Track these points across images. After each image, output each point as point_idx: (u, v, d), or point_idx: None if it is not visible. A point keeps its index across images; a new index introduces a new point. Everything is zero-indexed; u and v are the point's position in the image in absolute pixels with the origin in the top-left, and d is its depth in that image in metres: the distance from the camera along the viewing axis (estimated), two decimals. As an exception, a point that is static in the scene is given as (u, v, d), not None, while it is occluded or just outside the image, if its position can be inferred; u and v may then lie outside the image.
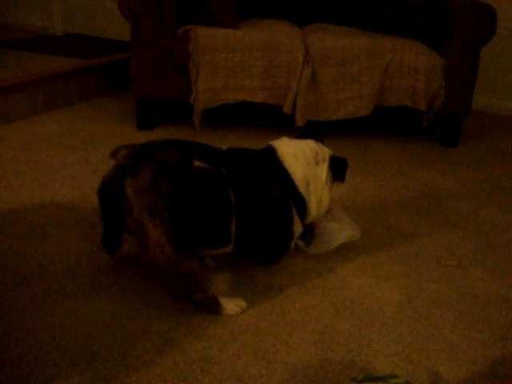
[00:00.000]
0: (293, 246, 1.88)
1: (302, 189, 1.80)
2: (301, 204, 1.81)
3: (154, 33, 2.84)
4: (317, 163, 1.84)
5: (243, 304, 1.69)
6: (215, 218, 1.61)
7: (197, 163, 1.57)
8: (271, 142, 1.87)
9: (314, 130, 1.96)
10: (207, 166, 1.59)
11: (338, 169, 1.89)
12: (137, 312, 1.64)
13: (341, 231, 1.99)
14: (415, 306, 1.77)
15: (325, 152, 1.88)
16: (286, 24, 3.25)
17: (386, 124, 3.45)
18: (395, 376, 1.34)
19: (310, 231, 1.98)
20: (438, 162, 2.99)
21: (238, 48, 2.88)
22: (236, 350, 1.52)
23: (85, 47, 4.21)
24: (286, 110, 2.90)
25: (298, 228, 1.85)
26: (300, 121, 2.92)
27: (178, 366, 1.45)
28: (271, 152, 1.82)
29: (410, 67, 2.96)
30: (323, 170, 1.85)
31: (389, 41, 3.01)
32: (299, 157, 1.81)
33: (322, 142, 1.94)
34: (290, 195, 1.78)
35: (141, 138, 2.95)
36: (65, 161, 2.63)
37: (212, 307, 1.64)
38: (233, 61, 2.88)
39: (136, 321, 1.61)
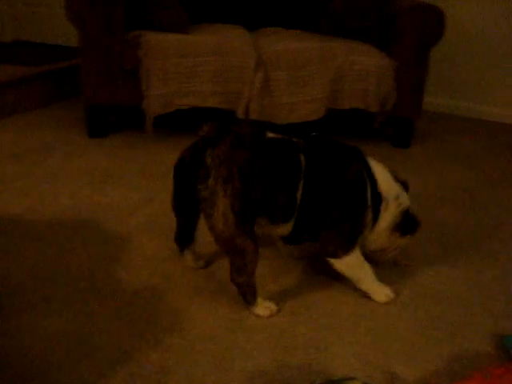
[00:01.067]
0: (358, 245, 1.78)
1: (381, 190, 1.77)
2: (377, 202, 1.77)
3: (102, 39, 2.80)
4: (396, 196, 1.81)
5: (274, 308, 1.70)
6: (285, 186, 1.64)
7: (270, 134, 1.64)
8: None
9: (404, 183, 1.92)
10: (278, 136, 1.65)
11: (407, 224, 1.86)
12: (89, 325, 1.60)
13: None
14: (371, 306, 1.78)
15: (405, 199, 1.85)
16: (238, 28, 3.25)
17: (339, 126, 3.47)
18: (352, 378, 1.35)
19: None
20: (391, 163, 3.00)
21: (190, 53, 2.86)
22: (193, 360, 1.50)
23: (34, 54, 4.12)
24: (240, 114, 2.89)
25: (368, 224, 1.78)
26: (254, 125, 2.91)
27: (133, 379, 1.42)
28: (359, 151, 1.80)
29: (361, 70, 2.99)
30: (395, 210, 1.81)
31: (340, 44, 3.03)
32: (386, 174, 1.82)
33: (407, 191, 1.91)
34: (368, 183, 1.74)
35: (92, 145, 2.91)
36: (13, 171, 2.56)
37: (249, 297, 1.67)
38: (184, 66, 2.86)
39: (88, 334, 1.57)
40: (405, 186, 1.90)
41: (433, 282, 1.95)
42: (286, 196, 1.65)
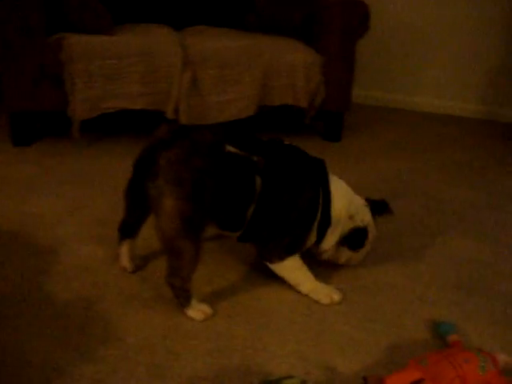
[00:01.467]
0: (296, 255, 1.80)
1: (333, 213, 1.77)
2: (324, 225, 1.77)
3: (21, 42, 2.69)
4: (350, 216, 1.81)
5: (209, 311, 1.68)
6: (236, 202, 1.64)
7: (229, 148, 1.62)
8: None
9: (382, 204, 1.94)
10: (239, 152, 1.63)
11: (356, 239, 1.86)
12: (19, 342, 1.53)
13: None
14: (308, 303, 1.77)
15: (363, 217, 1.84)
16: (163, 28, 3.19)
17: (270, 123, 3.47)
18: (290, 377, 1.33)
19: None
20: (323, 157, 3.03)
21: (114, 55, 2.79)
22: (128, 370, 1.46)
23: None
24: (169, 115, 2.85)
25: (311, 240, 1.81)
26: (185, 125, 2.87)
27: (65, 395, 1.37)
28: (321, 164, 1.81)
29: (288, 66, 2.99)
30: (342, 230, 1.82)
31: (267, 41, 3.03)
32: (346, 196, 1.82)
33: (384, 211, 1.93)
34: (319, 209, 1.75)
35: (17, 154, 2.80)
36: None
37: (182, 300, 1.65)
38: (109, 68, 2.79)
39: (19, 351, 1.50)
40: (381, 205, 1.94)
41: (368, 274, 1.97)
42: (237, 213, 1.66)
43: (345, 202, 1.80)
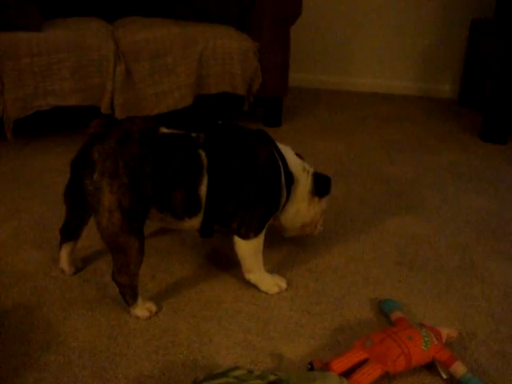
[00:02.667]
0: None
1: (291, 169, 1.76)
2: (288, 182, 1.76)
3: None
4: (303, 169, 1.82)
5: (154, 309, 1.66)
6: (182, 182, 1.58)
7: (163, 130, 1.58)
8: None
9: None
10: (174, 132, 1.60)
11: (321, 184, 1.86)
12: (-45, 356, 1.49)
13: None
14: (253, 291, 1.77)
15: (308, 166, 1.86)
16: (94, 21, 3.10)
17: (209, 112, 3.44)
18: (236, 368, 1.33)
19: None
20: (265, 143, 3.04)
21: (44, 51, 2.71)
22: (72, 375, 1.43)
23: None
24: (104, 110, 2.78)
25: (282, 204, 1.78)
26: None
27: (7, 407, 1.33)
28: (262, 131, 1.78)
29: (223, 53, 2.96)
30: (306, 178, 1.82)
31: (200, 29, 2.99)
32: (292, 155, 1.82)
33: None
34: (280, 165, 1.73)
35: None
36: None
37: (129, 298, 1.63)
38: (39, 65, 2.70)
39: (-45, 366, 1.45)
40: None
41: (311, 257, 1.98)
42: (186, 192, 1.60)
43: (294, 156, 1.82)
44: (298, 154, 1.89)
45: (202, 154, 1.61)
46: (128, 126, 1.56)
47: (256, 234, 1.72)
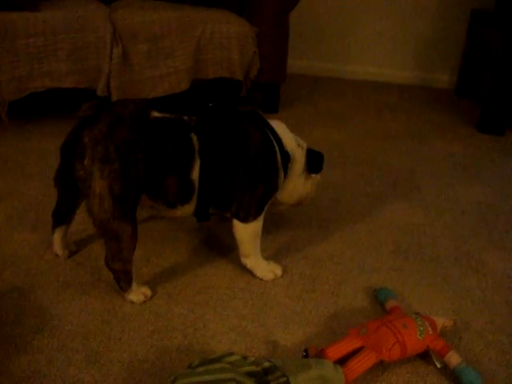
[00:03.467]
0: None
1: (287, 148, 1.74)
2: (285, 161, 1.74)
3: None
4: (298, 145, 1.80)
5: (149, 293, 1.66)
6: (174, 168, 1.56)
7: (154, 114, 1.55)
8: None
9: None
10: (165, 115, 1.57)
11: (313, 161, 1.84)
12: None
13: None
14: (248, 277, 1.77)
15: (301, 141, 1.84)
16: (91, 2, 3.07)
17: (206, 96, 3.42)
18: (231, 354, 1.32)
19: None
20: (262, 129, 3.02)
21: (40, 32, 2.67)
22: (65, 359, 1.42)
23: None
24: (100, 92, 2.76)
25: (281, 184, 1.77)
26: (117, 102, 2.79)
27: (-1, 389, 1.33)
28: (254, 111, 1.75)
29: (222, 38, 2.94)
30: (302, 155, 1.81)
31: (198, 12, 2.96)
32: (286, 131, 1.78)
33: None
34: (275, 145, 1.71)
35: None
36: None
37: (124, 283, 1.62)
38: (35, 46, 2.67)
39: None
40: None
41: (307, 244, 1.98)
42: (178, 178, 1.58)
43: (288, 133, 1.80)
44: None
45: (194, 137, 1.59)
46: (119, 110, 1.52)
47: (255, 217, 1.71)
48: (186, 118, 1.59)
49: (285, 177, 1.78)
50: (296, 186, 1.84)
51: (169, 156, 1.55)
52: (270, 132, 1.73)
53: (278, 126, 1.78)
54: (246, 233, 1.73)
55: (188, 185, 1.60)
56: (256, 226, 1.73)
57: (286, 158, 1.75)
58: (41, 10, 2.78)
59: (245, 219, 1.70)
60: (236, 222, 1.72)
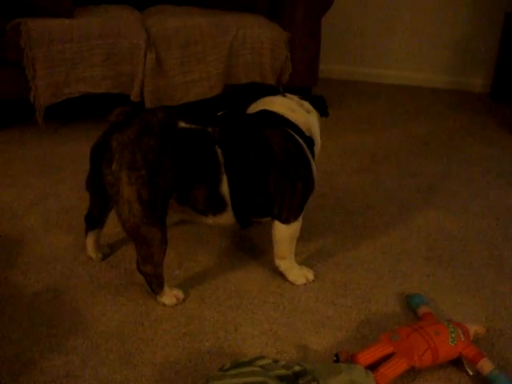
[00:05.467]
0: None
1: (306, 132, 1.75)
2: (311, 147, 1.76)
3: (-22, 29, 2.62)
4: (308, 111, 1.81)
5: (181, 296, 1.67)
6: (201, 179, 1.58)
7: (182, 124, 1.57)
8: (256, 106, 1.79)
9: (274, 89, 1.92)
10: (192, 126, 1.58)
11: (321, 107, 1.88)
12: (-14, 336, 1.51)
13: None
14: (278, 281, 1.78)
15: (303, 100, 1.84)
16: (125, 9, 3.12)
17: (238, 102, 3.44)
18: (262, 358, 1.33)
19: None
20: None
21: (75, 38, 2.73)
22: (99, 359, 1.45)
23: None
24: (134, 97, 2.80)
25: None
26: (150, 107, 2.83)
27: (35, 388, 1.36)
28: (267, 112, 1.74)
29: (254, 43, 2.95)
30: (315, 116, 1.83)
31: (230, 17, 2.98)
32: (295, 109, 1.77)
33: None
34: (297, 138, 1.71)
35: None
36: None
37: (155, 287, 1.64)
38: (71, 52, 2.72)
39: (-15, 346, 1.48)
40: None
41: (339, 249, 1.97)
42: (206, 190, 1.59)
43: (295, 109, 1.77)
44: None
45: (219, 150, 1.59)
46: (149, 118, 1.54)
47: (296, 218, 1.72)
48: (210, 129, 1.60)
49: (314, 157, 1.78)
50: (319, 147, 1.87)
51: (195, 167, 1.56)
52: (287, 125, 1.71)
53: (286, 108, 1.75)
54: (287, 233, 1.73)
55: (218, 198, 1.62)
56: (296, 226, 1.73)
57: (311, 143, 1.76)
58: (76, 17, 2.84)
59: (287, 220, 1.71)
60: (277, 224, 1.72)
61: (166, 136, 1.53)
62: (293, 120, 1.73)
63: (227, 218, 1.68)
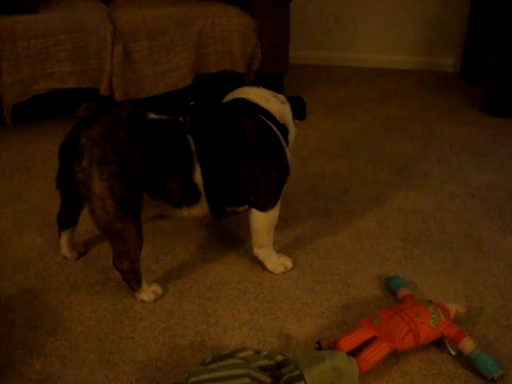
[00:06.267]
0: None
1: (280, 120, 1.74)
2: (284, 134, 1.74)
3: None
4: (283, 103, 1.79)
5: (159, 291, 1.66)
6: (174, 170, 1.55)
7: (151, 116, 1.55)
8: (231, 95, 1.77)
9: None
10: (162, 117, 1.56)
11: (298, 108, 1.84)
12: (-39, 343, 1.48)
13: None
14: (257, 270, 1.77)
15: (279, 95, 1.83)
16: (91, 2, 3.06)
17: (209, 91, 3.41)
18: (243, 349, 1.32)
19: None
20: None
21: (40, 33, 2.67)
22: (79, 360, 1.42)
23: None
24: (103, 91, 2.75)
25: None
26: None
27: (14, 393, 1.33)
28: (240, 99, 1.73)
29: (222, 31, 2.92)
30: (289, 109, 1.81)
31: (198, 7, 2.94)
32: (269, 99, 1.75)
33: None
34: (270, 124, 1.70)
35: None
36: None
37: (133, 283, 1.61)
38: (36, 48, 2.66)
39: (-39, 353, 1.45)
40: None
41: (317, 236, 1.97)
42: (179, 180, 1.57)
43: (270, 98, 1.76)
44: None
45: (190, 139, 1.58)
46: (117, 111, 1.52)
47: (273, 205, 1.70)
48: (181, 119, 1.59)
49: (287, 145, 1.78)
50: (293, 136, 1.85)
51: (167, 158, 1.54)
52: (261, 113, 1.70)
53: (260, 98, 1.75)
54: (265, 221, 1.72)
55: (191, 188, 1.60)
56: (274, 213, 1.72)
57: (284, 130, 1.75)
58: (40, 12, 2.77)
59: (264, 208, 1.69)
60: (255, 211, 1.70)
61: (135, 129, 1.50)
62: (267, 108, 1.72)
63: (201, 208, 1.66)
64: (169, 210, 1.68)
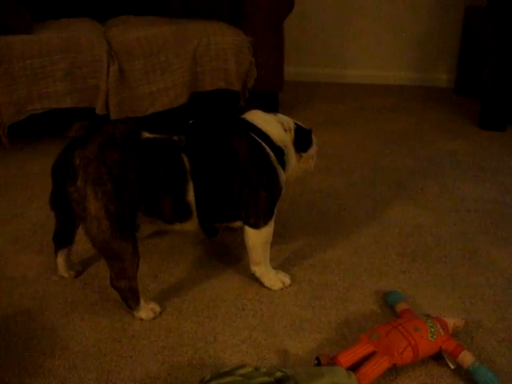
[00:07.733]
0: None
1: (278, 142, 1.73)
2: (280, 156, 1.74)
3: None
4: (287, 130, 1.78)
5: (158, 309, 1.65)
6: (168, 188, 1.56)
7: (145, 134, 1.55)
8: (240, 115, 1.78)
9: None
10: (156, 136, 1.57)
11: (300, 139, 1.82)
12: (-42, 364, 1.47)
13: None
14: (256, 287, 1.76)
15: (289, 122, 1.81)
16: (86, 21, 3.09)
17: (205, 109, 3.43)
18: (243, 366, 1.32)
19: None
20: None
21: (36, 54, 2.69)
22: (78, 380, 1.42)
23: None
24: (99, 111, 2.76)
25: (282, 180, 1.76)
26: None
27: (12, 414, 1.32)
28: (236, 119, 1.74)
29: (217, 49, 2.94)
30: (290, 138, 1.79)
31: (193, 25, 2.97)
32: (271, 122, 1.75)
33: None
34: (264, 146, 1.69)
35: None
36: None
37: (131, 301, 1.61)
38: (32, 68, 2.68)
39: (-42, 375, 1.44)
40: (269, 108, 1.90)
41: (314, 252, 1.97)
42: (172, 199, 1.58)
43: (272, 122, 1.76)
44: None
45: (185, 158, 1.59)
46: (110, 131, 1.52)
47: (266, 222, 1.70)
48: (175, 138, 1.59)
49: (284, 169, 1.77)
50: (293, 168, 1.84)
51: (161, 177, 1.55)
52: (256, 134, 1.71)
53: (261, 120, 1.75)
54: (258, 239, 1.72)
55: (184, 206, 1.61)
56: (267, 231, 1.72)
57: (280, 153, 1.74)
58: (35, 32, 2.80)
59: (256, 225, 1.70)
60: (247, 229, 1.71)
61: (129, 148, 1.51)
62: (264, 130, 1.73)
63: (193, 224, 1.68)
64: (160, 225, 1.69)
